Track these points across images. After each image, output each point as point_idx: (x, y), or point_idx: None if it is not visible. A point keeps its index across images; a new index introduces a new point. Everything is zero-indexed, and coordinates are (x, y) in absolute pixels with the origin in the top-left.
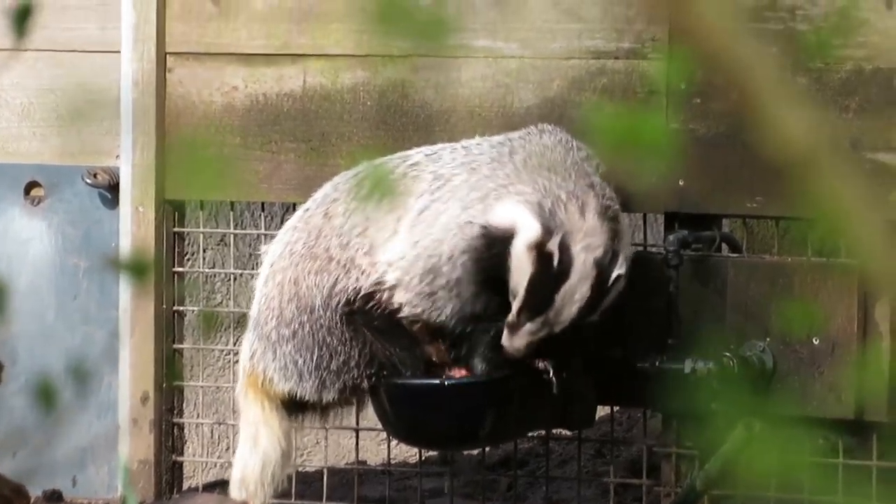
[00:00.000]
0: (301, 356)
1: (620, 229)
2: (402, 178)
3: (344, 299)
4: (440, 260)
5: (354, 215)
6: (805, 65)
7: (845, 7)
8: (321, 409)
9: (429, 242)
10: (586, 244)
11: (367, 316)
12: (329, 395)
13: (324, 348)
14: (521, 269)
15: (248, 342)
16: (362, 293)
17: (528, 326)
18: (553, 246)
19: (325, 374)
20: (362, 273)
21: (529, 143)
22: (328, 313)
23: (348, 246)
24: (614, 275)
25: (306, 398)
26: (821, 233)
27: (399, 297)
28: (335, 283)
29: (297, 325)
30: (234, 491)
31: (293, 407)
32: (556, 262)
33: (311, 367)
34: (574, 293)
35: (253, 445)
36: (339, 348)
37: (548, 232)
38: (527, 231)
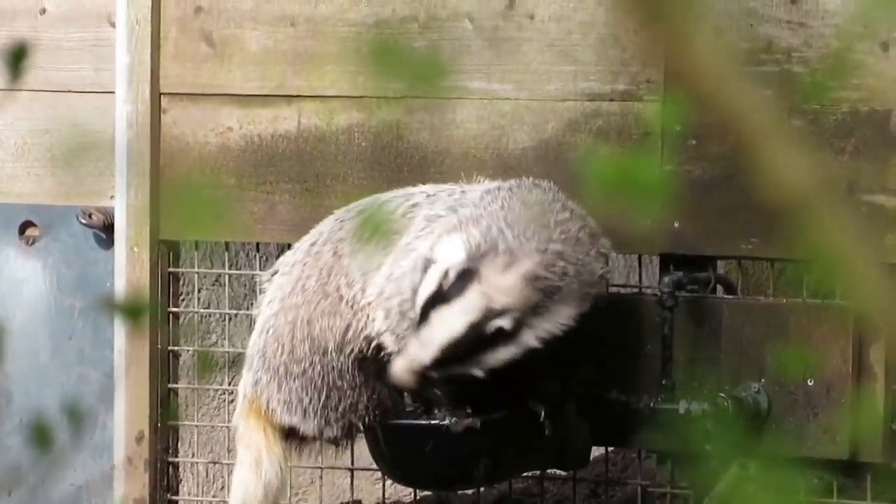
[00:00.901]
0: (308, 395)
1: (551, 304)
2: (400, 219)
3: (357, 348)
4: (404, 297)
5: (357, 256)
6: (801, 107)
7: (841, 49)
8: (319, 444)
9: (398, 275)
10: (487, 292)
11: (378, 364)
12: (330, 433)
13: (333, 390)
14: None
15: (252, 371)
16: (374, 343)
17: (410, 349)
18: (453, 271)
19: (330, 414)
20: (368, 318)
21: (513, 197)
22: (341, 358)
23: (352, 286)
24: (496, 325)
25: (308, 435)
26: (816, 275)
27: (387, 342)
28: (347, 329)
29: (307, 364)
30: None
31: (290, 437)
32: (447, 284)
33: (318, 407)
34: (447, 321)
35: (256, 471)
36: (349, 392)
37: (458, 260)
38: (446, 256)
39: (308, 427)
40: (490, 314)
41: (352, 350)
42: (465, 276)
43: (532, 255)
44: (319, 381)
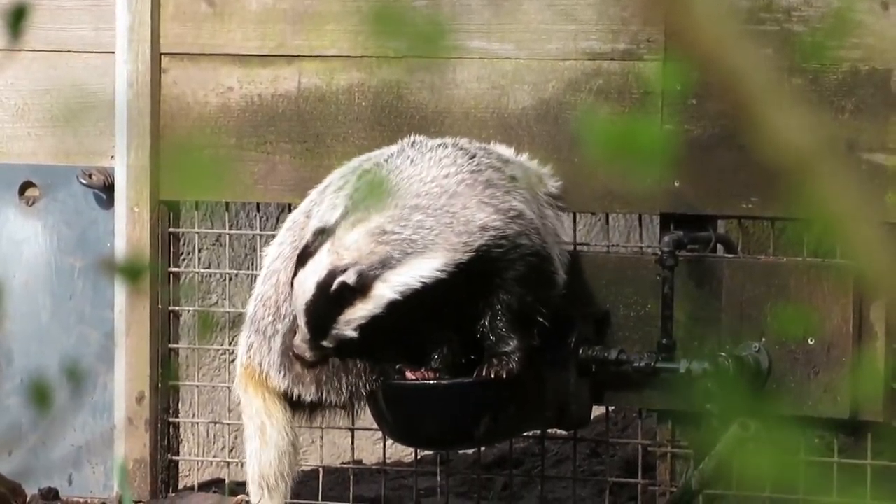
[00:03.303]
0: None
1: (404, 257)
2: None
3: None
4: None
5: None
6: (801, 66)
7: (841, 8)
8: (322, 408)
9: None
10: (335, 249)
11: None
12: (332, 398)
13: None
14: None
15: (245, 337)
16: None
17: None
18: (311, 233)
19: (330, 378)
20: None
21: (411, 156)
22: None
23: None
24: (340, 281)
25: (307, 399)
26: (816, 234)
27: None
28: None
29: (292, 322)
30: (254, 488)
31: (292, 402)
32: (309, 246)
33: (315, 371)
34: (303, 284)
35: (262, 438)
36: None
37: (320, 232)
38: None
39: (305, 392)
40: (336, 271)
41: None
42: (322, 237)
43: (386, 210)
44: None
